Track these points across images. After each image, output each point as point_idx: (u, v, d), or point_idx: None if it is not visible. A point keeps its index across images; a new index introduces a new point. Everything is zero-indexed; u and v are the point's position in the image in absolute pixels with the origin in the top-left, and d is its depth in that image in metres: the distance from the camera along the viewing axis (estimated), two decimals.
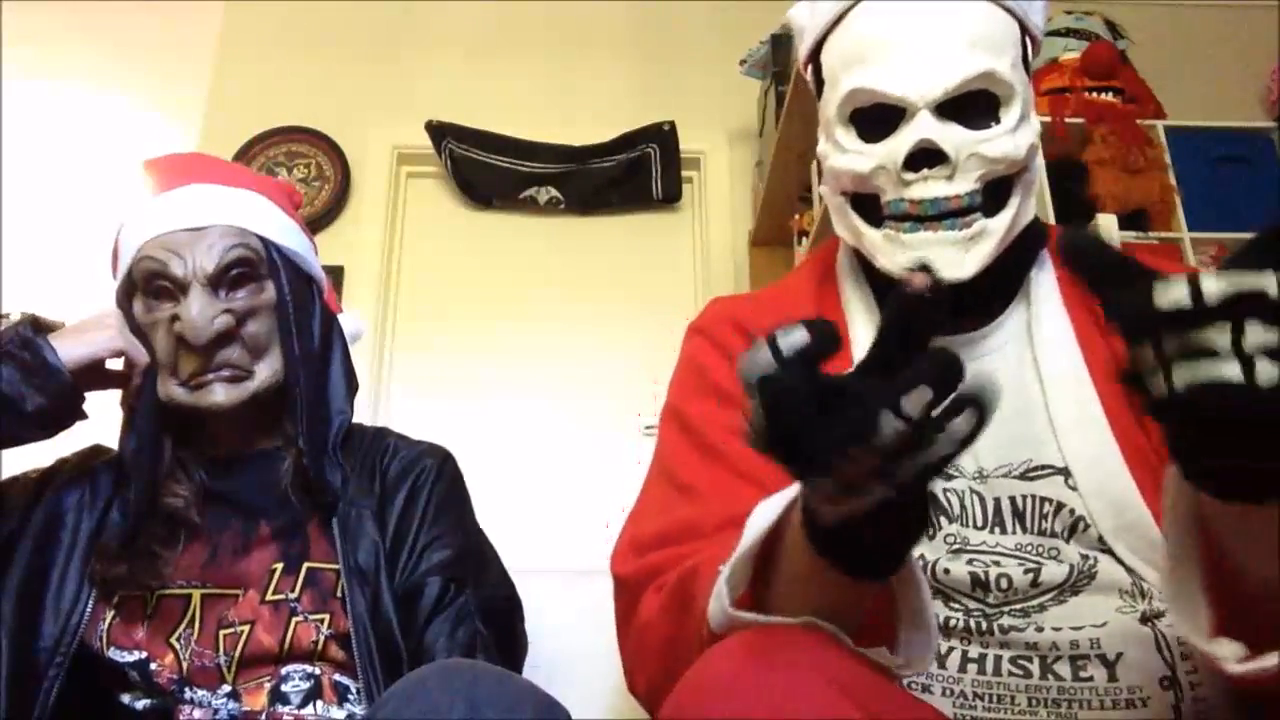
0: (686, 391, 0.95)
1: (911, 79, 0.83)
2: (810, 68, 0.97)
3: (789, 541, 0.64)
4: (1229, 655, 0.57)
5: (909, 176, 0.83)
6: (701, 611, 0.68)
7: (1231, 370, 0.46)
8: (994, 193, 0.85)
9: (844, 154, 0.88)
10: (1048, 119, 2.13)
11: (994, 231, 0.84)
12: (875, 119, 0.86)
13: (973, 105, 0.84)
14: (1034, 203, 0.90)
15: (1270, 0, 2.86)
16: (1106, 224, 1.94)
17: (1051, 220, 2.01)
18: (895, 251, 0.85)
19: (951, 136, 0.83)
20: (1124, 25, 2.38)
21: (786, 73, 2.51)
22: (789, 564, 0.64)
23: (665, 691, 0.70)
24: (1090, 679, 0.76)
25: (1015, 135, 0.84)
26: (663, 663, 0.75)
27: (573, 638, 1.21)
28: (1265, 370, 0.46)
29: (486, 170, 2.88)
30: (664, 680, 0.73)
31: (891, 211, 0.85)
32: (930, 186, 0.83)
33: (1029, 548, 0.81)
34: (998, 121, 0.84)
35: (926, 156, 0.83)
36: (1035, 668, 0.77)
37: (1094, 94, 2.16)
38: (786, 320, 0.96)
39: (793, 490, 0.63)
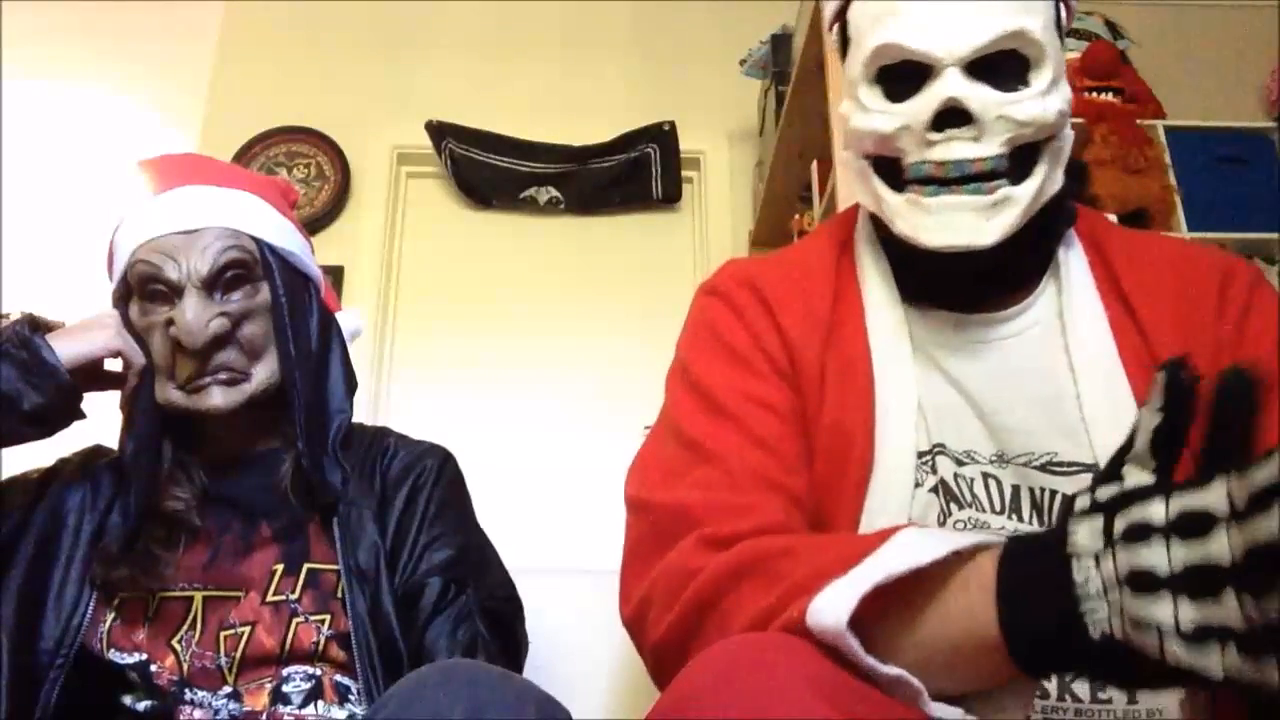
0: (698, 351, 0.92)
1: (940, 35, 0.80)
2: (836, 27, 0.94)
3: (955, 590, 0.59)
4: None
5: (934, 136, 0.80)
6: (791, 594, 0.63)
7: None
8: (1020, 159, 0.81)
9: (867, 114, 0.85)
10: None
11: (1019, 199, 0.81)
12: (901, 77, 0.83)
13: (1002, 66, 0.81)
14: (1062, 174, 0.86)
15: (1270, 0, 2.86)
16: None
17: None
18: (915, 215, 0.82)
19: (979, 96, 0.80)
20: (1124, 25, 2.38)
21: (786, 73, 2.51)
22: (939, 607, 0.60)
23: (682, 644, 0.69)
24: (1109, 701, 0.73)
25: (1045, 99, 0.81)
26: (698, 615, 0.71)
27: (573, 638, 1.21)
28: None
29: (486, 170, 2.88)
30: (687, 633, 0.70)
31: (913, 175, 0.82)
32: (955, 148, 0.80)
33: None
34: (1027, 85, 0.81)
35: (953, 116, 0.80)
36: (1053, 687, 0.74)
37: (1094, 94, 2.16)
38: (801, 287, 0.93)
39: (958, 540, 0.59)
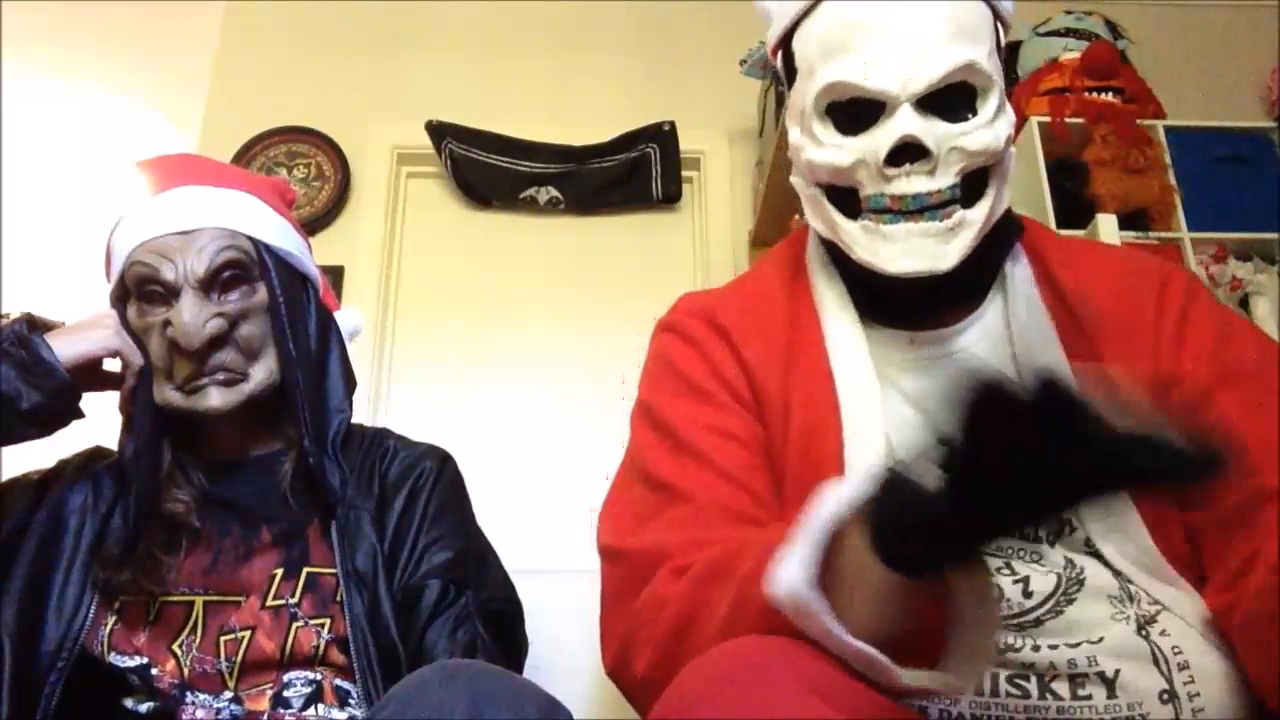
0: (658, 389, 0.93)
1: (893, 72, 0.82)
2: (780, 55, 0.94)
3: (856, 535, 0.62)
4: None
5: (891, 172, 0.82)
6: (747, 582, 0.65)
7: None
8: (971, 183, 0.84)
9: (821, 148, 0.86)
10: (1047, 119, 2.13)
11: (973, 222, 0.84)
12: (853, 111, 0.84)
13: (951, 97, 0.83)
14: (1009, 192, 0.89)
15: (1270, 0, 2.85)
16: (1106, 224, 1.93)
17: (1052, 220, 2.01)
18: (874, 243, 0.84)
19: (933, 130, 0.81)
20: (1124, 25, 2.38)
21: None
22: (854, 550, 0.62)
23: (667, 673, 0.68)
24: (1089, 697, 0.74)
25: (994, 126, 0.84)
26: (677, 640, 0.72)
27: (573, 638, 1.21)
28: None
29: (486, 170, 2.88)
30: (670, 660, 0.70)
31: (872, 206, 0.84)
32: (913, 182, 0.82)
33: (1009, 550, 0.80)
34: (975, 113, 0.84)
35: (908, 151, 0.82)
36: (1033, 687, 0.75)
37: (1094, 94, 2.16)
38: (758, 316, 0.94)
39: (867, 479, 0.61)
